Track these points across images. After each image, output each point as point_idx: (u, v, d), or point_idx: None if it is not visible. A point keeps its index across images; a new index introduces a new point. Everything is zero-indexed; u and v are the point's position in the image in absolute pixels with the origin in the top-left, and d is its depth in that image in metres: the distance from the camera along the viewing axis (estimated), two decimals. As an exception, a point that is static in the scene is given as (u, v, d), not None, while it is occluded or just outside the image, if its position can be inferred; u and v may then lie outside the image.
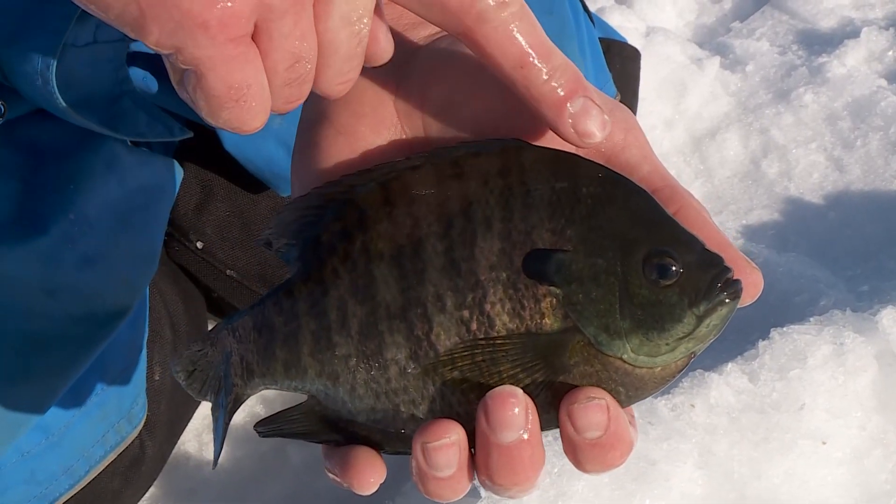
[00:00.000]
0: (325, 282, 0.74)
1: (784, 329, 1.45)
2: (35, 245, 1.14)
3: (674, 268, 0.69)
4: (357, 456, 0.73)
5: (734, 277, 0.69)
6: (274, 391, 1.72)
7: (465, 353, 0.71)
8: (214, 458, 0.79)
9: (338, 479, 0.74)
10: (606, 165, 0.73)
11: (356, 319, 0.73)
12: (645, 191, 0.71)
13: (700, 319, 0.69)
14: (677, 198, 0.74)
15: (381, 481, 0.73)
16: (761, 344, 1.44)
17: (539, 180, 0.71)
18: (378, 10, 0.69)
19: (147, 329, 1.39)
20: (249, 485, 1.65)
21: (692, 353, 0.71)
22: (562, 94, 0.70)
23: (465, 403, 0.72)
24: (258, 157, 1.33)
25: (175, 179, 1.34)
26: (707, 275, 0.69)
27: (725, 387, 1.39)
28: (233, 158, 1.35)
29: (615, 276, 0.69)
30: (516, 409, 0.69)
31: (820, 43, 2.25)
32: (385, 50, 0.71)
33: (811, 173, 1.96)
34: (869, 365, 1.41)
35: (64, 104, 1.04)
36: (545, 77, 0.70)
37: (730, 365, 1.42)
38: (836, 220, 1.88)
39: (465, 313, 0.71)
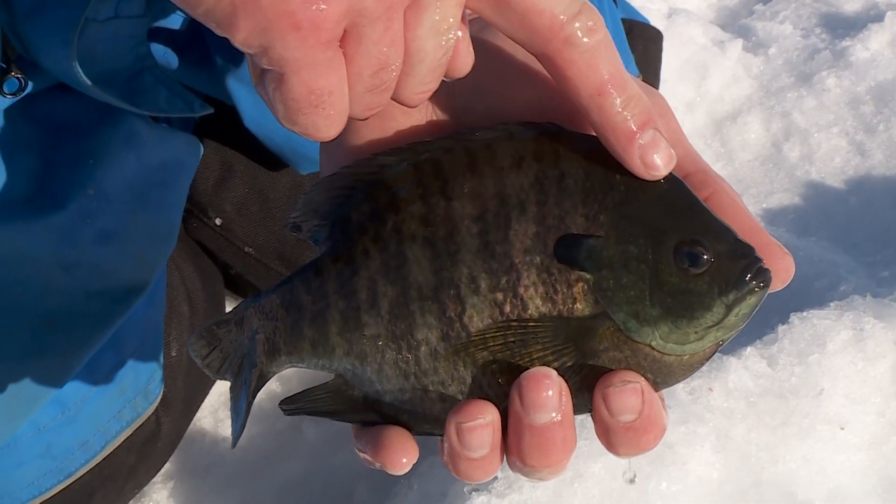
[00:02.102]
0: (355, 262, 0.73)
1: (804, 314, 1.44)
2: (53, 220, 1.14)
3: (705, 256, 0.69)
4: (389, 436, 0.73)
5: (764, 267, 0.69)
6: (291, 369, 1.73)
7: (498, 335, 0.71)
8: (235, 437, 0.78)
9: (369, 459, 0.74)
10: None
11: (386, 300, 0.72)
12: (679, 179, 0.71)
13: (729, 308, 0.69)
14: (710, 182, 0.73)
15: (414, 461, 0.73)
16: (781, 328, 1.43)
17: (573, 166, 0.71)
18: (463, 21, 0.69)
19: (165, 305, 1.39)
20: (265, 462, 1.65)
21: (720, 341, 0.71)
22: (633, 126, 0.70)
23: (494, 385, 0.72)
24: (278, 134, 1.32)
25: (195, 156, 1.34)
26: (737, 264, 0.69)
27: (744, 371, 1.39)
28: (253, 135, 1.35)
29: (646, 263, 0.69)
30: (550, 392, 0.69)
31: (843, 26, 2.23)
32: (465, 63, 0.70)
33: (833, 157, 1.95)
34: (888, 351, 1.40)
35: (84, 78, 1.04)
36: (619, 108, 0.70)
37: (749, 349, 1.41)
38: (856, 205, 1.87)
39: (499, 296, 0.71)
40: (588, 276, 0.70)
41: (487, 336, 0.71)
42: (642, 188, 0.70)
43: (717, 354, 1.38)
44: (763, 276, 0.69)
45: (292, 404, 0.77)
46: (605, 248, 0.70)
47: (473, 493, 1.32)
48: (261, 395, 1.73)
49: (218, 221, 1.50)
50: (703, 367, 1.38)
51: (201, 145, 1.35)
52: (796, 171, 1.95)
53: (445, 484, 1.40)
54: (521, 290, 0.71)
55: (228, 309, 1.67)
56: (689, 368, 0.72)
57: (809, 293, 1.61)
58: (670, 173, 0.71)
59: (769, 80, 2.13)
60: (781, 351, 1.41)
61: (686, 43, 2.14)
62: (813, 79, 2.07)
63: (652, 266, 0.69)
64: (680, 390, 1.36)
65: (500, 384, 0.71)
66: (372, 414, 0.75)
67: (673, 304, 0.69)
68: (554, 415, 0.69)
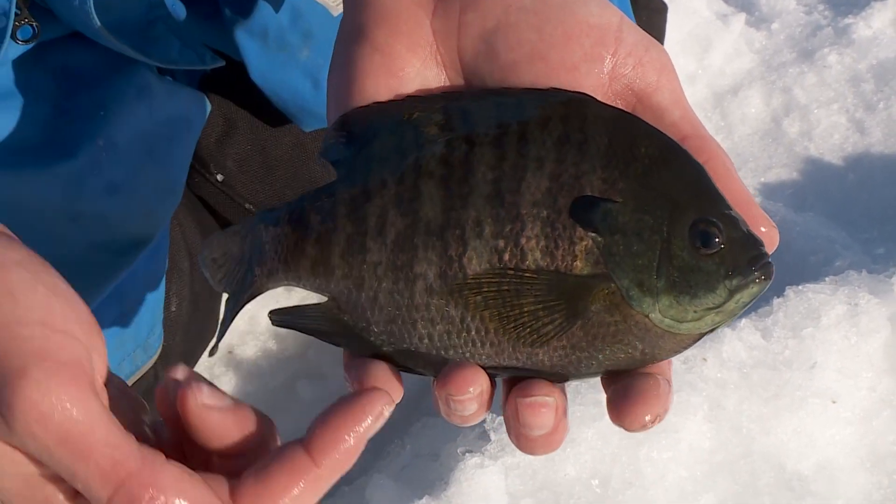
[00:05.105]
0: (369, 189, 0.75)
1: (799, 288, 1.45)
2: (62, 169, 1.14)
3: (717, 239, 0.70)
4: (375, 374, 0.74)
5: (770, 262, 0.70)
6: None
7: (493, 281, 0.72)
8: (213, 345, 0.80)
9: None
10: (635, 114, 0.74)
11: (394, 230, 0.73)
12: (700, 164, 0.72)
13: (731, 294, 0.70)
14: (706, 149, 0.74)
15: (396, 401, 0.73)
16: (776, 301, 1.44)
17: (599, 132, 0.72)
18: None
19: (167, 260, 1.39)
20: (259, 419, 1.66)
21: (714, 327, 0.72)
22: None
23: (482, 331, 0.72)
24: (283, 88, 1.33)
25: (203, 113, 1.34)
26: (747, 253, 0.70)
27: (738, 342, 1.40)
28: (257, 92, 1.35)
29: (659, 235, 0.70)
30: (546, 415, 0.71)
31: (846, 4, 2.23)
32: None
33: (832, 134, 1.96)
34: (882, 326, 1.41)
35: (99, 24, 1.04)
36: None
37: (743, 321, 1.42)
38: (854, 181, 1.88)
39: (501, 243, 0.72)
40: (598, 238, 0.71)
41: (483, 280, 0.72)
42: (665, 165, 0.71)
43: (711, 326, 1.40)
44: (767, 269, 0.70)
45: (282, 316, 0.78)
46: (620, 214, 0.70)
47: (467, 454, 1.33)
48: (255, 352, 1.75)
49: (219, 177, 1.51)
50: (698, 338, 1.39)
51: (209, 103, 1.36)
52: (795, 147, 1.96)
53: (438, 444, 1.42)
54: (523, 241, 0.71)
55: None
56: (677, 347, 0.72)
57: (805, 267, 1.62)
58: (694, 158, 0.72)
59: (771, 55, 2.13)
60: (776, 324, 1.42)
61: (690, 15, 2.14)
62: (814, 55, 2.07)
63: (665, 239, 0.70)
64: (674, 359, 1.37)
65: (486, 331, 0.72)
66: (358, 342, 0.75)
67: (678, 280, 0.70)
68: (549, 427, 0.71)
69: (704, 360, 1.38)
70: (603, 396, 1.28)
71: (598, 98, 0.74)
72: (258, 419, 0.73)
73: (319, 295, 0.77)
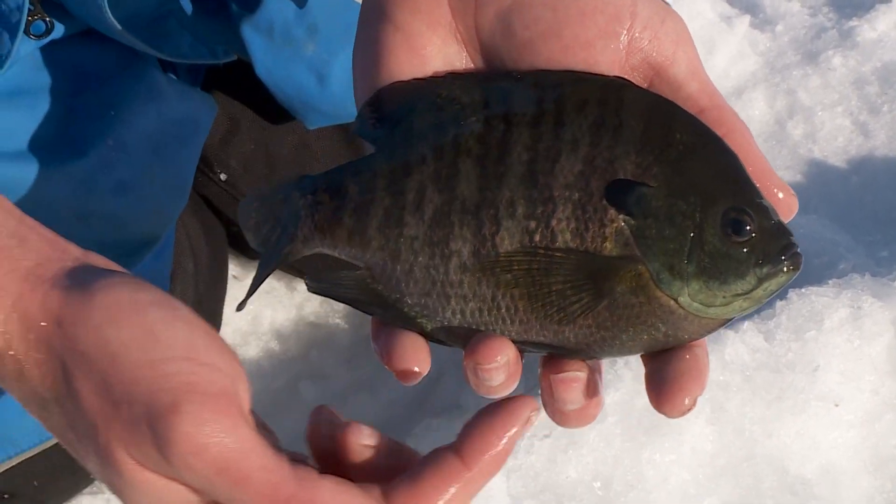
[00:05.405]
0: (410, 164, 0.76)
1: (802, 290, 1.45)
2: (72, 168, 1.14)
3: (749, 227, 0.71)
4: (403, 343, 0.75)
5: (799, 252, 0.71)
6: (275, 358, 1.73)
7: (523, 259, 0.73)
8: (242, 301, 0.81)
9: (382, 362, 0.76)
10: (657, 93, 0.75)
11: (432, 206, 0.75)
12: (734, 153, 0.73)
13: (760, 281, 0.71)
14: (725, 120, 0.74)
15: (424, 374, 0.74)
16: (779, 304, 1.44)
17: (635, 117, 0.73)
18: None
19: (172, 261, 1.39)
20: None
21: (741, 313, 0.73)
22: None
23: (511, 309, 0.74)
24: (288, 84, 1.33)
25: (210, 115, 1.34)
26: (777, 242, 0.71)
27: (741, 344, 1.40)
28: (260, 91, 1.35)
29: (692, 220, 0.71)
30: (577, 391, 0.73)
31: (851, 6, 2.23)
32: None
33: (836, 137, 1.95)
34: (885, 330, 1.41)
35: (111, 18, 1.04)
36: None
37: (746, 323, 1.42)
38: (858, 184, 1.88)
39: (532, 224, 0.73)
40: (631, 221, 0.72)
41: (514, 259, 0.73)
42: (699, 152, 0.72)
43: (714, 327, 1.39)
44: (796, 260, 0.71)
45: (318, 282, 0.79)
46: (654, 198, 0.72)
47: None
48: (258, 353, 1.75)
49: (223, 177, 1.51)
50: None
51: (216, 104, 1.36)
52: (799, 149, 1.96)
53: (440, 445, 1.41)
54: (554, 223, 0.73)
55: (231, 269, 1.68)
56: (699, 331, 0.73)
57: (808, 270, 1.62)
58: (730, 147, 0.73)
59: (775, 57, 2.13)
60: (779, 326, 1.42)
61: (694, 17, 2.14)
62: (819, 57, 2.07)
63: (697, 224, 0.71)
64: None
65: (516, 308, 0.74)
66: (392, 312, 0.77)
67: (709, 265, 0.71)
68: (583, 402, 0.73)
69: (707, 362, 1.38)
70: (605, 398, 1.29)
71: (616, 73, 0.75)
72: (404, 450, 0.76)
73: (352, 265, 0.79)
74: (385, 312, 0.77)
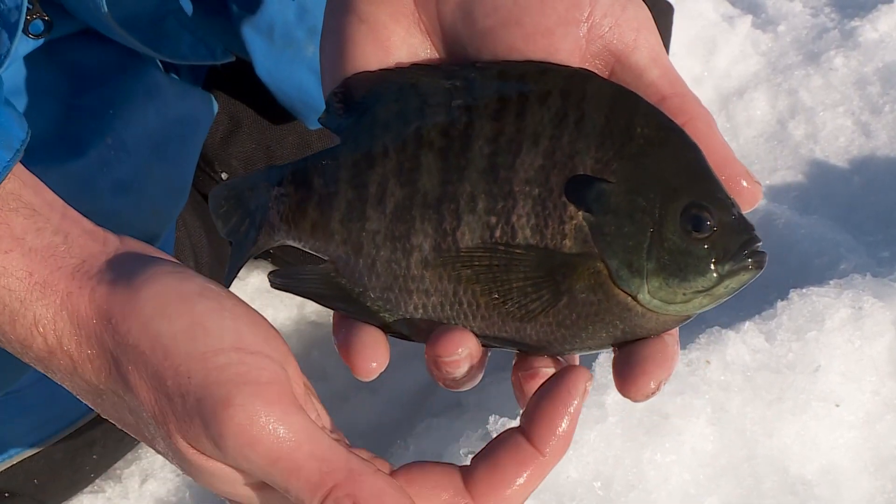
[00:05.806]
0: (372, 157, 0.76)
1: (803, 291, 1.45)
2: (71, 168, 1.14)
3: (709, 223, 0.70)
4: (363, 338, 0.76)
5: (762, 249, 0.71)
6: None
7: (484, 255, 0.73)
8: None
9: (340, 355, 0.76)
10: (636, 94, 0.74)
11: (393, 199, 0.75)
12: (698, 147, 0.72)
13: (721, 279, 0.71)
14: (687, 109, 0.74)
15: (382, 370, 0.75)
16: (780, 304, 1.44)
17: (597, 110, 0.72)
18: None
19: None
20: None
21: (701, 310, 0.73)
22: None
23: (473, 305, 0.74)
24: (289, 85, 1.33)
25: (210, 114, 1.35)
26: (738, 238, 0.71)
27: (742, 345, 1.40)
28: (261, 91, 1.35)
29: (651, 217, 0.71)
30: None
31: (853, 6, 2.23)
32: None
33: (837, 137, 1.95)
34: (886, 330, 1.41)
35: (110, 18, 1.04)
36: None
37: (747, 324, 1.42)
38: (859, 184, 1.88)
39: (493, 219, 0.73)
40: (590, 218, 0.71)
41: (474, 255, 0.73)
42: (661, 145, 0.72)
43: (715, 327, 1.40)
44: (759, 257, 0.71)
45: (282, 278, 0.80)
46: (613, 194, 0.71)
47: (469, 455, 1.33)
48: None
49: (224, 176, 1.51)
50: (701, 340, 1.40)
51: (216, 104, 1.36)
52: (801, 150, 1.95)
53: (440, 445, 1.42)
54: (514, 219, 0.73)
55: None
56: (659, 328, 0.73)
57: (809, 270, 1.62)
58: (692, 140, 0.72)
59: (777, 57, 2.13)
60: (780, 326, 1.42)
61: (696, 17, 2.14)
62: (821, 58, 2.07)
63: (657, 221, 0.71)
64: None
65: (478, 304, 0.74)
66: (355, 306, 0.77)
67: (668, 262, 0.71)
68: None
69: (708, 362, 1.38)
70: (605, 398, 1.29)
71: (576, 61, 0.74)
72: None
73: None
74: (348, 306, 0.77)
